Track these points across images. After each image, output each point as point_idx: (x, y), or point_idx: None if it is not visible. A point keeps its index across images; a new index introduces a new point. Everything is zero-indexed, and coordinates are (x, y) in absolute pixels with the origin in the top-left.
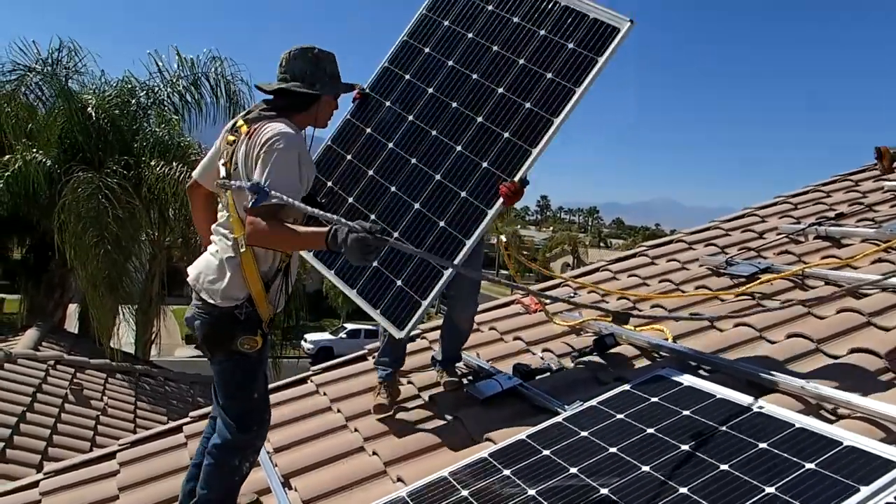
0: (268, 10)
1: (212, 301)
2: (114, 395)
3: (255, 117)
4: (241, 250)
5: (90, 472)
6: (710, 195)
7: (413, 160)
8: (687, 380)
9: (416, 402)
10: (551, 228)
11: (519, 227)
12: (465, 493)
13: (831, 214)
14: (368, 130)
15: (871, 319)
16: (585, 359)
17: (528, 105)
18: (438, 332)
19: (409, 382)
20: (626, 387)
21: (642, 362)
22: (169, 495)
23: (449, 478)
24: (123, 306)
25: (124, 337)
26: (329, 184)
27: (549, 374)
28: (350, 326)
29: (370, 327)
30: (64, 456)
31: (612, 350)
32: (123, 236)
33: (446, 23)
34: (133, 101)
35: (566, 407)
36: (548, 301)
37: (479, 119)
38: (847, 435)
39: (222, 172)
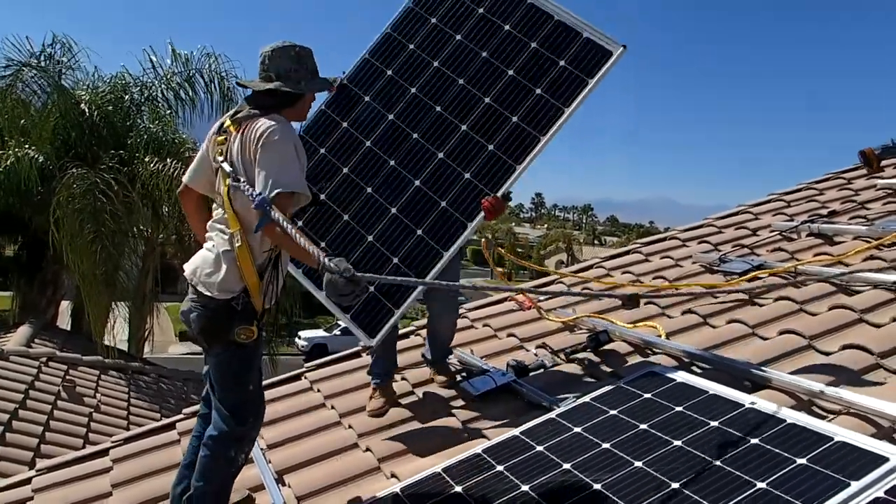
0: (268, 10)
1: (209, 293)
2: (106, 392)
3: (245, 116)
4: (237, 244)
5: (83, 469)
6: (709, 195)
7: (392, 162)
8: (680, 376)
9: (409, 398)
10: (546, 226)
11: (513, 224)
12: (458, 488)
13: (824, 212)
14: (345, 124)
15: (862, 316)
16: (579, 355)
17: (514, 119)
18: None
19: (403, 378)
20: (620, 383)
21: (636, 359)
22: (162, 492)
23: (442, 473)
24: (118, 303)
25: (119, 334)
26: None
27: (542, 370)
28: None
29: None
30: (57, 453)
31: (606, 347)
32: (119, 232)
33: (434, 20)
34: (126, 97)
35: (560, 403)
36: (560, 295)
37: (464, 127)
38: (838, 430)
39: (227, 169)
